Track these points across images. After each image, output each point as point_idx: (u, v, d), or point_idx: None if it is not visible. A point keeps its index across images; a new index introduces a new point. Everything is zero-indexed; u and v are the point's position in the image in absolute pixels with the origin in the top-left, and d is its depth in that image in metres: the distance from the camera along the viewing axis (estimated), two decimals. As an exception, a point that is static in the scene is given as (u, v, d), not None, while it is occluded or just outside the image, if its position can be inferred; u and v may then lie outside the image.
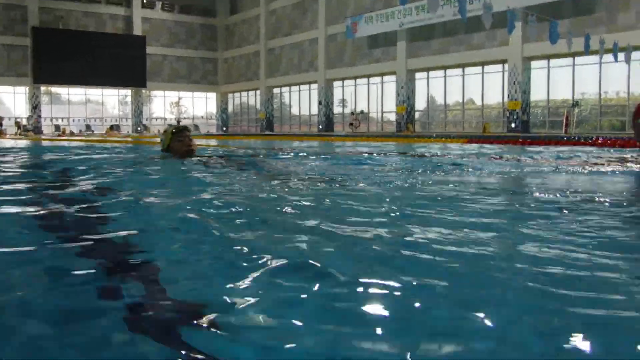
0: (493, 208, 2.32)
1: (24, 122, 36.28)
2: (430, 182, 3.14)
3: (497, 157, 6.37)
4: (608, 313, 1.12)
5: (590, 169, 4.01)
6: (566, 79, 22.84)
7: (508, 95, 24.05)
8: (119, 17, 40.06)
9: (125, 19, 40.24)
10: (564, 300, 1.19)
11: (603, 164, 4.10)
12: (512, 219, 2.10)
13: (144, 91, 41.44)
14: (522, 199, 2.53)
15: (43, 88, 38.16)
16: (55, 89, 39.44)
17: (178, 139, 4.64)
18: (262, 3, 38.29)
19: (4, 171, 4.38)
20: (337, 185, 3.11)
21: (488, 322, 1.05)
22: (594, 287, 1.29)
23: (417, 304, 1.15)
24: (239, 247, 1.52)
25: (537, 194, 2.66)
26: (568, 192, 2.78)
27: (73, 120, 38.35)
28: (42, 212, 2.19)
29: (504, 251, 1.61)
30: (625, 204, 2.36)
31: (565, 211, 2.21)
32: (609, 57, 18.87)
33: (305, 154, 6.13)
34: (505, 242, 1.73)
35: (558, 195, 2.56)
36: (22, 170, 4.88)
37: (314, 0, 33.83)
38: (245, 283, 1.24)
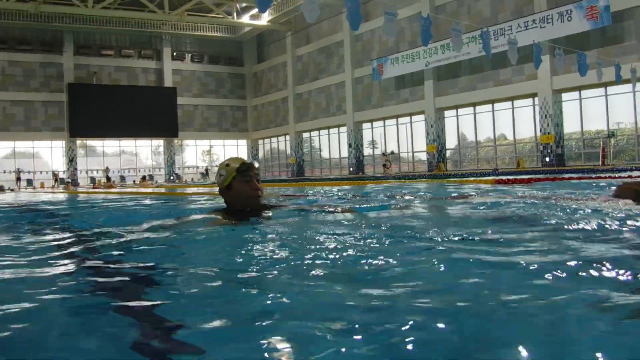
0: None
1: (61, 174, 37.22)
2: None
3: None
4: None
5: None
6: (600, 110, 22.39)
7: (540, 129, 23.67)
8: (150, 70, 41.28)
9: (156, 71, 41.44)
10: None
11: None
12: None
13: (175, 141, 42.26)
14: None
15: (79, 141, 39.23)
16: (90, 142, 40.50)
17: (244, 178, 3.36)
18: (288, 50, 39.02)
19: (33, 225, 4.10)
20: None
21: None
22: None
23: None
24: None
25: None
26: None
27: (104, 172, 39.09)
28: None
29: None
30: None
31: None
32: (642, 85, 18.49)
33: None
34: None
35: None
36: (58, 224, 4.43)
37: (340, 44, 34.31)
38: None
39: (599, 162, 20.41)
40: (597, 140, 22.36)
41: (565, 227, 2.56)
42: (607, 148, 20.91)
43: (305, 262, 1.92)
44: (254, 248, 2.33)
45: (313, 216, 3.54)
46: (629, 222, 2.55)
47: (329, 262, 1.90)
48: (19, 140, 37.51)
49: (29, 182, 36.06)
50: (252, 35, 42.87)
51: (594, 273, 1.55)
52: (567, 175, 10.49)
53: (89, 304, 1.50)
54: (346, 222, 3.21)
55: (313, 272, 1.70)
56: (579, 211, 3.12)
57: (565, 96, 23.22)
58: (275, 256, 2.13)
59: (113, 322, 1.32)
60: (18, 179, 35.24)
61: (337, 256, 2.01)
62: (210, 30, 41.14)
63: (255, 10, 36.58)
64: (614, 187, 3.50)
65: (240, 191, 3.37)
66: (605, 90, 21.75)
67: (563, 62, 18.06)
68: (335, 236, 2.50)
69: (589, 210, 3.08)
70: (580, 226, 2.52)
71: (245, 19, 37.78)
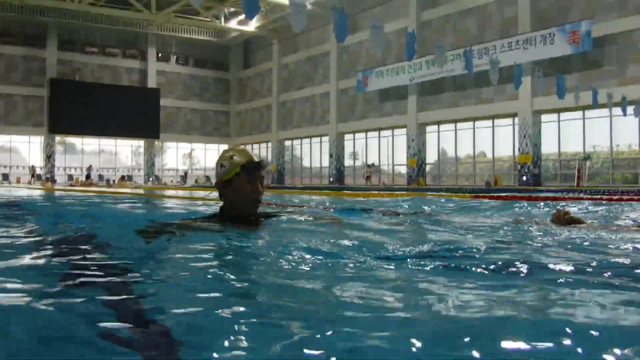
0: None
1: (38, 170, 36.73)
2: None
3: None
4: None
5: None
6: (577, 132, 22.85)
7: (519, 149, 24.04)
8: (134, 70, 41.06)
9: (141, 72, 41.23)
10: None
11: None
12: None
13: (156, 142, 41.98)
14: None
15: (58, 138, 38.78)
16: (69, 139, 40.07)
17: (249, 177, 2.95)
18: (275, 57, 39.12)
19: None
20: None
21: None
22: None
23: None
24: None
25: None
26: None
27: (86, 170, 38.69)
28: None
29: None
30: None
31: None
32: (619, 110, 18.93)
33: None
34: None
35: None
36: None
37: (326, 54, 34.50)
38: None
39: (575, 184, 20.77)
40: (573, 162, 22.79)
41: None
42: (582, 170, 21.32)
43: (295, 280, 1.81)
44: (245, 260, 2.21)
45: (313, 228, 3.16)
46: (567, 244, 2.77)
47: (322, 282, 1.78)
48: (-4, 134, 36.99)
49: (5, 177, 35.52)
50: (239, 40, 42.90)
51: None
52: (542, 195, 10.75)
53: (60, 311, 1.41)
54: (353, 235, 2.91)
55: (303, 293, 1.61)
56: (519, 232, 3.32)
57: (544, 117, 23.65)
58: (264, 272, 2.00)
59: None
60: None
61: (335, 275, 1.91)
62: (197, 33, 41.08)
63: (243, 16, 36.63)
64: (553, 212, 3.84)
65: (241, 190, 2.95)
66: (583, 113, 22.20)
67: (543, 84, 18.42)
68: (338, 252, 2.33)
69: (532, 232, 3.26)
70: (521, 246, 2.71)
71: (233, 24, 37.82)
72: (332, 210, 5.55)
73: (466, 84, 25.53)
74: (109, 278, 1.84)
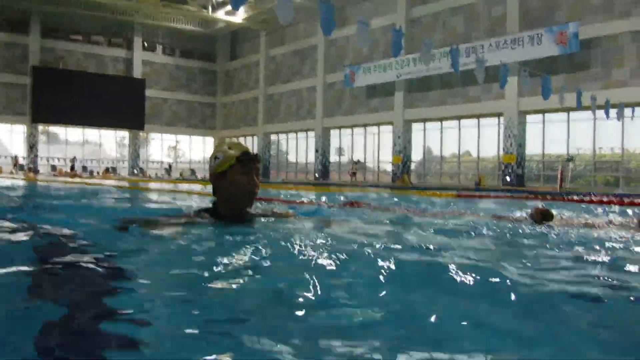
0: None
1: (20, 160, 36.27)
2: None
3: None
4: None
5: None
6: (561, 134, 23.04)
7: (503, 149, 24.18)
8: (119, 59, 40.61)
9: (126, 61, 40.79)
10: None
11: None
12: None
13: (141, 134, 41.61)
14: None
15: (41, 127, 38.27)
16: (53, 129, 39.58)
17: (244, 169, 2.89)
18: (262, 49, 38.93)
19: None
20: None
21: None
22: None
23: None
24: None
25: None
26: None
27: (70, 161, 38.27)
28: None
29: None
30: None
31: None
32: (602, 113, 19.07)
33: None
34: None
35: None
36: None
37: (314, 48, 34.38)
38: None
39: (557, 185, 20.93)
40: (557, 164, 22.98)
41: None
42: (564, 172, 21.49)
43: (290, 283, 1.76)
44: (233, 258, 2.10)
45: (304, 226, 3.13)
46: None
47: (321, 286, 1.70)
48: (-23, 122, 36.40)
49: (-14, 166, 35.01)
50: (227, 32, 42.60)
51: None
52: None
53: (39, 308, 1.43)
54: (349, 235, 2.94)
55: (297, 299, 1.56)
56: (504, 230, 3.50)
57: (529, 118, 23.79)
58: (254, 273, 1.93)
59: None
60: None
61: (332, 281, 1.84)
62: (184, 23, 40.67)
63: (230, 6, 36.31)
64: (529, 211, 4.02)
65: (236, 182, 2.88)
66: (568, 115, 22.37)
67: (529, 84, 18.50)
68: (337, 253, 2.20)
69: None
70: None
71: (221, 14, 37.47)
72: (326, 206, 5.58)
73: (453, 82, 25.58)
74: (85, 274, 1.83)
